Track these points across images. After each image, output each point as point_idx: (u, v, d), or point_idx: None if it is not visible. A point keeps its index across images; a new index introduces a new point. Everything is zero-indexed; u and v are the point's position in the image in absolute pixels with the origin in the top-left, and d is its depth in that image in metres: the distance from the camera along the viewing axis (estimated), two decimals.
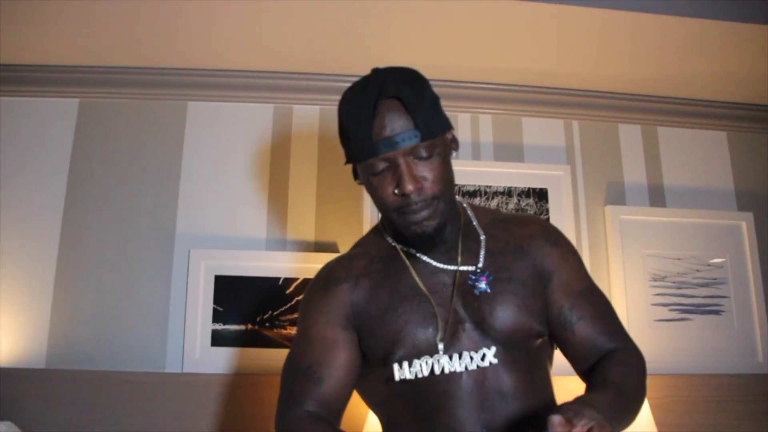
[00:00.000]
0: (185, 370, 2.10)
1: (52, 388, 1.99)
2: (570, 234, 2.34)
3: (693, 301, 2.37)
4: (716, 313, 2.37)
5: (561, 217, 2.35)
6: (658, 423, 2.18)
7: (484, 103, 2.43)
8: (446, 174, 1.10)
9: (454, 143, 1.15)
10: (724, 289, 2.40)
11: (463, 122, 2.43)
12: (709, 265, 2.41)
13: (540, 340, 1.14)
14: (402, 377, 1.07)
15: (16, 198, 2.21)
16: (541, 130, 2.47)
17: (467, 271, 1.13)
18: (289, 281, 2.19)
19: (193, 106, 2.35)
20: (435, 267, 1.14)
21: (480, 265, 1.13)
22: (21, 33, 2.06)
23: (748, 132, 2.58)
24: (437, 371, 1.06)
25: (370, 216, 2.29)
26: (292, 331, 2.16)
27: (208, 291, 2.17)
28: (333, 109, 2.33)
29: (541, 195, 2.37)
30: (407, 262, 1.16)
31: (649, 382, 2.16)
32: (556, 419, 0.81)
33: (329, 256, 2.17)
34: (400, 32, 2.07)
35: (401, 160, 1.05)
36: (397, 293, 1.13)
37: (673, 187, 2.49)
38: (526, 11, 1.96)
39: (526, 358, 1.10)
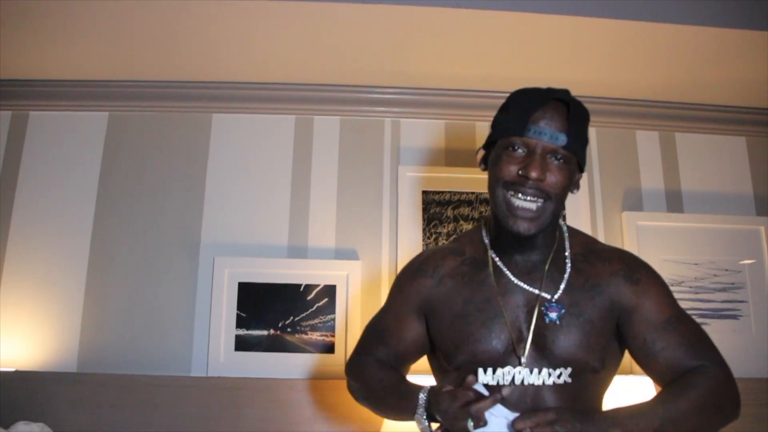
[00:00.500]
0: (210, 374, 2.17)
1: (83, 391, 2.08)
2: None
3: (710, 305, 2.37)
4: (734, 317, 2.38)
5: (578, 222, 2.38)
6: None
7: None
8: (566, 187, 1.16)
9: (577, 183, 1.22)
10: (742, 294, 2.40)
11: (481, 131, 2.47)
12: (726, 270, 2.41)
13: (595, 375, 1.18)
14: (485, 382, 1.16)
15: (49, 208, 2.31)
16: None
17: (544, 298, 1.18)
18: (310, 288, 2.25)
19: (217, 118, 2.42)
20: (516, 285, 1.21)
21: (557, 296, 1.18)
22: (50, 48, 2.15)
23: (767, 137, 2.58)
24: (517, 381, 1.14)
25: (389, 224, 2.34)
26: (314, 336, 2.22)
27: (232, 297, 2.24)
28: (353, 120, 2.41)
29: None
30: (492, 274, 1.23)
31: None
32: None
33: (349, 264, 2.26)
34: (417, 43, 2.12)
35: (539, 150, 1.13)
36: (472, 302, 1.21)
37: (691, 193, 2.50)
38: (540, 22, 1.99)
39: (574, 387, 1.16)
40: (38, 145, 2.38)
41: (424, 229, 2.32)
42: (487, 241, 1.28)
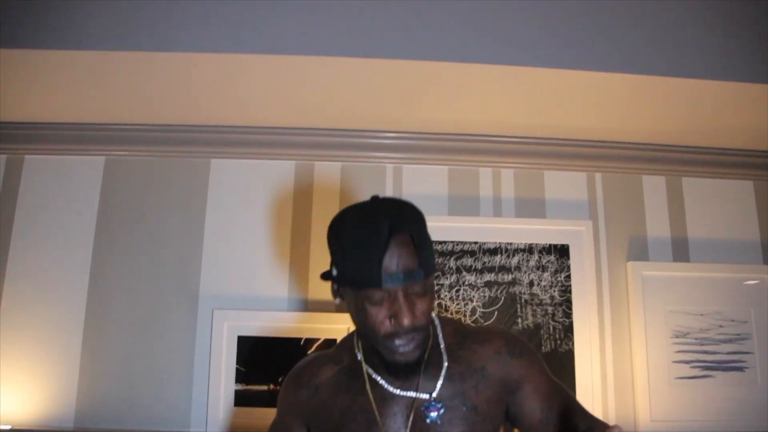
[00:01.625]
0: (209, 430, 2.15)
1: None
2: (591, 290, 2.33)
3: (715, 357, 2.35)
4: (739, 369, 2.35)
5: (583, 273, 2.34)
6: None
7: (506, 156, 2.42)
8: (432, 308, 1.16)
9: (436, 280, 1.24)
10: (748, 345, 2.37)
11: (484, 177, 2.43)
12: (732, 321, 2.38)
13: None
14: None
15: (44, 255, 2.27)
16: (563, 183, 2.45)
17: (421, 400, 1.18)
18: (310, 342, 2.22)
19: (216, 164, 2.37)
20: (392, 393, 1.20)
21: (435, 394, 1.19)
22: (45, 91, 2.09)
23: None
24: None
25: None
26: None
27: (231, 351, 2.21)
28: (354, 165, 2.36)
29: (562, 251, 2.36)
30: (368, 384, 1.22)
31: None
32: None
33: (350, 317, 2.22)
34: (419, 89, 2.06)
35: (401, 294, 1.09)
36: (349, 413, 1.21)
37: (698, 241, 2.46)
38: (544, 73, 1.93)
39: None
40: (34, 189, 2.33)
41: None
42: (360, 356, 1.26)
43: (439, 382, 1.19)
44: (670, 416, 2.29)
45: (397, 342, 1.12)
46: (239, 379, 2.20)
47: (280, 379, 2.20)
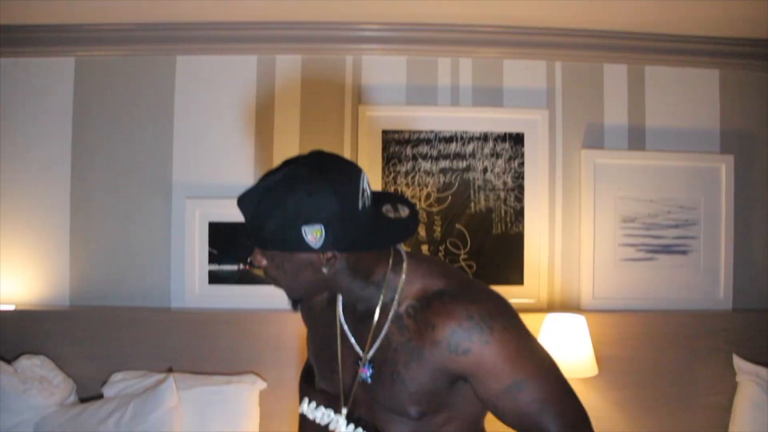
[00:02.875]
0: (187, 305, 2.39)
1: (76, 326, 2.33)
2: (544, 177, 2.42)
3: (661, 241, 2.46)
4: (683, 253, 2.47)
5: (536, 160, 2.42)
6: (619, 358, 2.37)
7: (465, 46, 2.44)
8: (286, 272, 1.08)
9: (325, 261, 1.06)
10: (694, 230, 2.47)
11: (443, 67, 2.46)
12: (681, 207, 2.47)
13: (425, 416, 1.12)
14: (302, 412, 1.25)
15: (26, 153, 2.43)
16: (522, 72, 2.48)
17: (357, 354, 1.16)
18: None
19: (181, 60, 2.45)
20: (346, 335, 1.18)
21: (370, 354, 1.13)
22: None
23: (742, 69, 2.52)
24: (331, 428, 1.19)
25: None
26: None
27: (203, 236, 2.40)
28: (315, 58, 2.42)
29: (517, 139, 2.43)
30: (338, 321, 1.20)
31: (612, 318, 2.34)
32: None
33: None
34: None
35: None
36: (326, 339, 1.22)
37: (655, 129, 2.50)
38: None
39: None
40: (9, 91, 2.45)
41: (383, 168, 2.40)
42: None
43: (375, 345, 1.12)
44: (612, 294, 2.45)
45: None
46: (212, 260, 2.41)
47: (248, 260, 2.40)
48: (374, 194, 1.11)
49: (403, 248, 1.16)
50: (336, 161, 1.06)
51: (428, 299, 1.09)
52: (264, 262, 1.08)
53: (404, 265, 1.12)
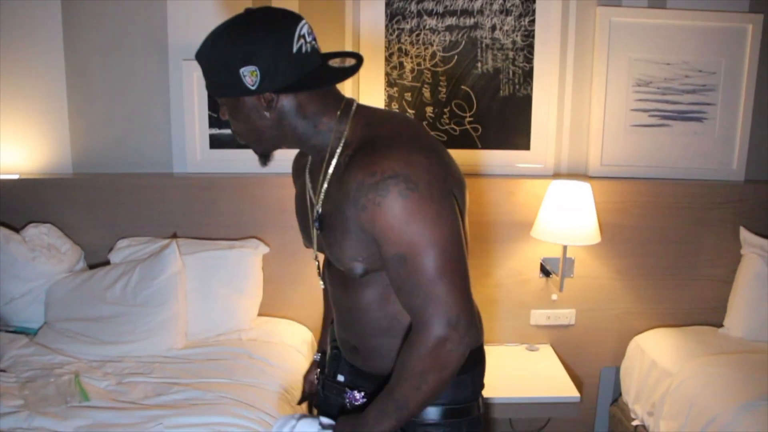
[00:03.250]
0: (189, 170, 2.37)
1: (79, 193, 2.32)
2: (555, 36, 2.30)
3: (676, 107, 2.36)
4: (698, 120, 2.38)
5: (548, 18, 2.29)
6: (623, 226, 2.34)
7: None
8: (246, 127, 1.13)
9: (266, 103, 1.08)
10: (712, 96, 2.36)
11: None
12: (700, 71, 2.35)
13: (363, 278, 1.14)
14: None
15: (16, 21, 2.31)
16: None
17: (312, 204, 1.20)
18: None
19: None
20: (306, 185, 1.23)
21: (318, 208, 1.15)
22: None
23: None
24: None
25: (352, 27, 2.31)
26: None
27: (202, 99, 2.34)
28: None
29: None
30: (306, 171, 1.25)
31: (619, 185, 2.29)
32: None
33: None
34: None
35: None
36: (301, 195, 1.27)
37: None
38: None
39: (349, 286, 1.20)
40: None
41: (387, 26, 2.29)
42: None
43: (320, 197, 1.15)
44: (621, 161, 2.39)
45: None
46: (212, 124, 2.36)
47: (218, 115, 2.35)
48: (330, 54, 1.14)
49: (355, 100, 1.16)
50: (274, 11, 1.09)
51: (357, 149, 1.07)
52: (225, 115, 1.14)
53: (351, 113, 1.12)
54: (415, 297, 1.03)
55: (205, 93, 2.33)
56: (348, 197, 1.04)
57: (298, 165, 1.33)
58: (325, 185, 1.13)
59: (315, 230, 1.17)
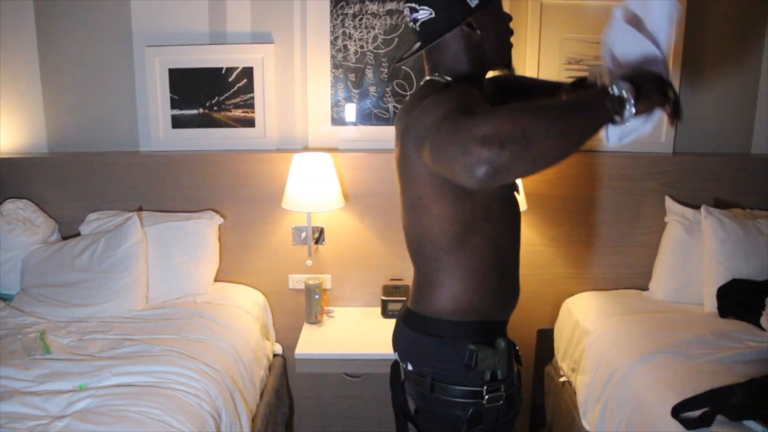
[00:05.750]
0: (153, 148, 2.57)
1: (55, 171, 2.54)
2: None
3: None
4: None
5: None
6: (555, 196, 2.49)
7: None
8: None
9: None
10: None
11: None
12: None
13: None
14: None
15: None
16: None
17: None
18: (230, 70, 2.51)
19: None
20: None
21: None
22: None
23: None
24: None
25: (300, 12, 2.47)
26: (237, 113, 2.54)
27: (164, 82, 2.53)
28: None
29: None
30: None
31: None
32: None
33: (264, 47, 2.46)
34: None
35: None
36: None
37: None
38: None
39: None
40: None
41: (331, 12, 2.45)
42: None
43: None
44: None
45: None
46: (174, 105, 2.55)
47: (207, 104, 2.54)
48: None
49: None
50: None
51: None
52: None
53: None
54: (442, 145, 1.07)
55: (166, 76, 2.52)
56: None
57: None
58: None
59: None
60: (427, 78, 1.37)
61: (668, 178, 2.51)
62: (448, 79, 1.32)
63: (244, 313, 2.34)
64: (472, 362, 1.30)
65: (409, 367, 1.39)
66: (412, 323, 1.39)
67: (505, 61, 1.39)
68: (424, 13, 1.31)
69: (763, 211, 2.45)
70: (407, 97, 1.45)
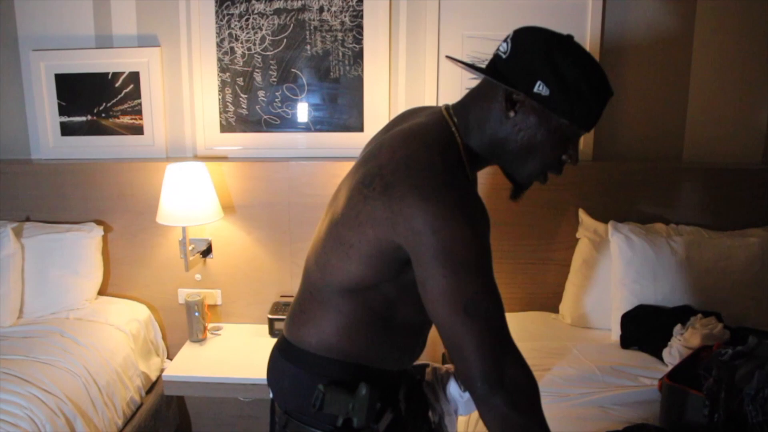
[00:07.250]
0: (42, 157, 2.47)
1: None
2: (384, 15, 2.25)
3: None
4: None
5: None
6: None
7: None
8: None
9: None
10: None
11: None
12: None
13: None
14: None
15: None
16: None
17: None
18: (116, 75, 2.39)
19: None
20: None
21: None
22: None
23: None
24: None
25: (185, 7, 2.33)
26: (125, 120, 2.41)
27: (51, 88, 2.42)
28: None
29: None
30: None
31: None
32: None
33: (150, 51, 2.33)
34: None
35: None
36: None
37: None
38: None
39: None
40: None
41: (216, 12, 2.30)
42: (466, 168, 1.14)
43: None
44: None
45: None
46: (62, 112, 2.44)
47: (95, 110, 2.42)
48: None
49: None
50: None
51: None
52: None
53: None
54: (464, 364, 1.04)
55: (53, 82, 2.41)
56: None
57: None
58: None
59: None
60: (436, 106, 1.19)
61: (584, 188, 2.28)
62: (455, 132, 1.13)
63: (115, 331, 2.21)
64: (318, 403, 1.15)
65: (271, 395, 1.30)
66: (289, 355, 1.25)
67: (518, 180, 1.18)
68: (503, 48, 1.11)
69: (688, 227, 2.19)
70: (399, 116, 1.27)
